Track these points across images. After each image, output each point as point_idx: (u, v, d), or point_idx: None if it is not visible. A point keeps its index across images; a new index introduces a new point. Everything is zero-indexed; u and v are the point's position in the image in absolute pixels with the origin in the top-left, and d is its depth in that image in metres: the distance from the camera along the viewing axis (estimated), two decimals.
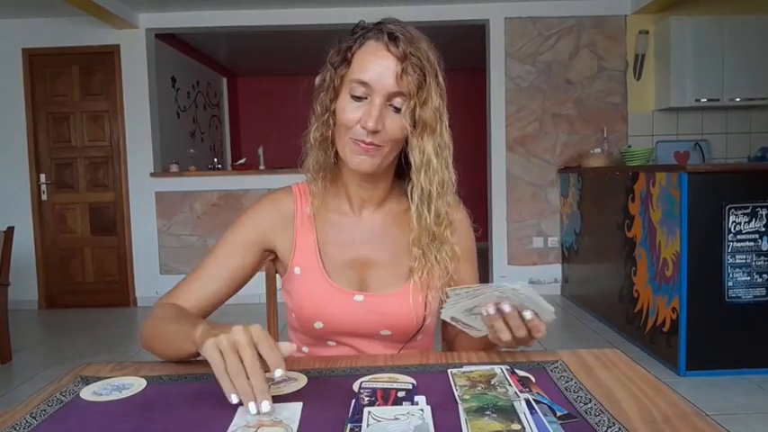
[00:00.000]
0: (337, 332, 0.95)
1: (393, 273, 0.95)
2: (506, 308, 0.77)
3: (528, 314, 0.77)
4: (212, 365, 0.65)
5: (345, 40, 0.90)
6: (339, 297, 0.93)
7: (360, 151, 0.87)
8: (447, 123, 0.91)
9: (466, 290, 0.80)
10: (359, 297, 0.94)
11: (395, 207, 0.99)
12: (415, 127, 0.87)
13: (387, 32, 0.86)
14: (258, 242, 0.96)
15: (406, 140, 0.90)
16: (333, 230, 0.97)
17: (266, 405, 0.62)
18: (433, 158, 0.89)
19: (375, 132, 0.85)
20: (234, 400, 0.63)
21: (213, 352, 0.64)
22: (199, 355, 0.73)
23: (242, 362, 0.63)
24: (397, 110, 0.86)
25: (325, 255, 0.95)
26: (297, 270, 0.96)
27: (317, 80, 0.93)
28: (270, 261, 1.04)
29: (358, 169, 0.89)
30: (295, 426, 0.62)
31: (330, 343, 0.97)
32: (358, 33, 0.89)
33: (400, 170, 0.98)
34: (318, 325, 0.94)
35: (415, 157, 0.89)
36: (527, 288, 0.77)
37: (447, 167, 0.91)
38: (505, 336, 0.78)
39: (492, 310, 0.77)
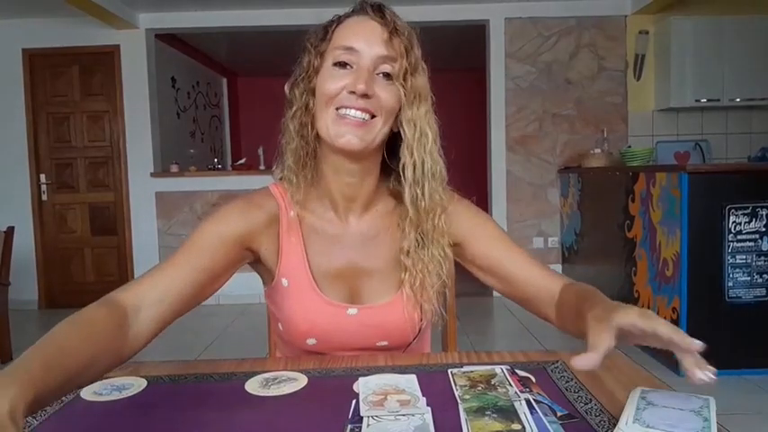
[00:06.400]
0: (331, 348, 0.89)
1: (385, 281, 0.89)
2: None
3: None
4: None
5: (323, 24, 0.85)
6: (331, 312, 0.86)
7: (348, 127, 0.79)
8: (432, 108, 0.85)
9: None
10: (352, 310, 0.87)
11: (381, 208, 0.92)
12: (406, 96, 0.81)
13: (370, 5, 0.83)
14: (241, 238, 0.85)
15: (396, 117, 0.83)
16: (319, 239, 0.89)
17: None
18: (428, 130, 0.83)
19: (365, 97, 0.78)
20: None
21: None
22: None
23: None
24: (387, 76, 0.80)
25: (314, 266, 0.87)
26: (284, 282, 0.87)
27: (286, 87, 0.87)
28: (250, 263, 0.94)
29: (346, 147, 0.80)
30: (419, 393, 0.68)
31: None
32: (337, 17, 0.86)
33: (385, 169, 0.91)
34: (311, 342, 0.87)
35: (407, 131, 0.82)
36: None
37: (438, 152, 0.85)
38: None
39: None
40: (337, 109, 0.80)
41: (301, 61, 0.85)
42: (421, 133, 0.82)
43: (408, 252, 0.87)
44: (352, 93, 0.78)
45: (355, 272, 0.89)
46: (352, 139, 0.79)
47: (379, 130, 0.82)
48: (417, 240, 0.87)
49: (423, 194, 0.84)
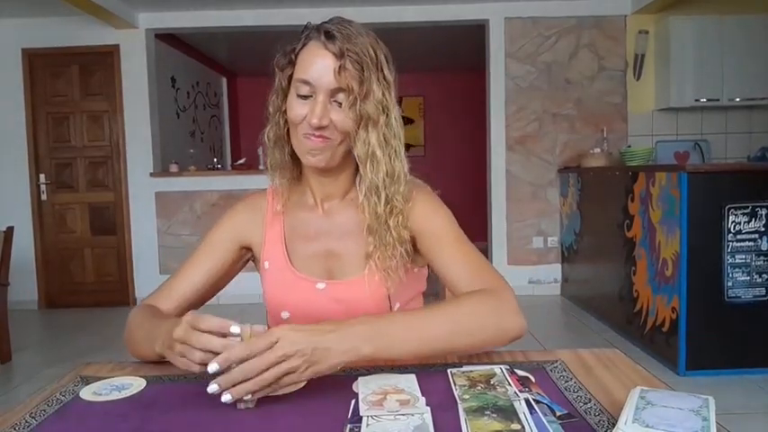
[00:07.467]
0: (304, 322, 0.91)
1: (356, 262, 0.97)
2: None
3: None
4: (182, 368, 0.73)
5: (291, 43, 0.92)
6: (302, 285, 0.97)
7: (311, 145, 0.89)
8: (396, 115, 0.92)
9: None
10: (321, 285, 0.97)
11: (356, 197, 0.99)
12: (359, 120, 0.88)
13: (324, 31, 0.88)
14: (233, 240, 1.02)
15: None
16: (299, 225, 1.01)
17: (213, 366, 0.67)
18: (377, 151, 0.90)
19: (321, 128, 0.88)
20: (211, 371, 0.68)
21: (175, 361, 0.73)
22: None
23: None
24: (341, 105, 0.88)
25: (292, 249, 1.00)
26: (266, 264, 1.00)
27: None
28: (252, 260, 1.08)
29: (310, 165, 0.92)
30: (418, 393, 0.68)
31: None
32: (303, 34, 0.92)
33: None
34: (285, 315, 0.98)
35: (359, 150, 0.90)
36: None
37: (397, 157, 0.92)
38: None
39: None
40: (303, 134, 0.90)
41: (274, 80, 0.94)
42: (372, 153, 0.90)
43: (372, 230, 0.93)
44: (310, 124, 0.88)
45: (331, 255, 0.99)
46: (313, 158, 0.90)
47: (337, 148, 0.91)
48: (377, 227, 0.94)
49: (379, 200, 0.92)
